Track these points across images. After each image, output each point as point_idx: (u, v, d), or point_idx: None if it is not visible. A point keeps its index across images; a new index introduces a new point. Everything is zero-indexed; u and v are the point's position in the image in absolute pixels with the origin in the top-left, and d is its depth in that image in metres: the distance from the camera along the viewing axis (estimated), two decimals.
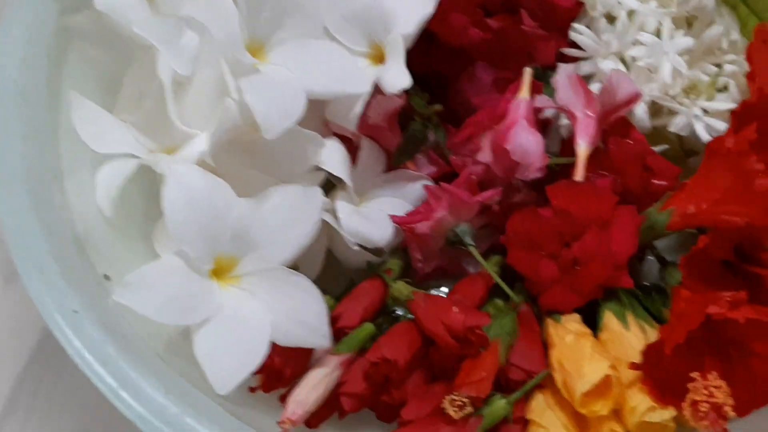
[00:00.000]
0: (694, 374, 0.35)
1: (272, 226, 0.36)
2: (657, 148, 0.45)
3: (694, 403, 0.34)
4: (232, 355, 0.35)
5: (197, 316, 0.34)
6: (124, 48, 0.40)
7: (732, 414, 0.34)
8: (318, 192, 0.39)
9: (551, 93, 0.45)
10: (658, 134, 0.46)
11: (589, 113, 0.42)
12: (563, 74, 0.42)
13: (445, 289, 0.44)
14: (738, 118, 0.37)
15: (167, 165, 0.36)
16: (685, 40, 0.44)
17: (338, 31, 0.43)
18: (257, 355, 0.35)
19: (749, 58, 0.42)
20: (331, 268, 0.45)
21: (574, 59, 0.46)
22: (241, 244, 0.36)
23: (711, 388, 0.34)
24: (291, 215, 0.37)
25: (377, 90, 0.42)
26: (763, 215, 0.36)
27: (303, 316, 0.36)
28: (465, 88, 0.47)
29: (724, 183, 0.37)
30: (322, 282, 0.45)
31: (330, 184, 0.43)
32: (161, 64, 0.38)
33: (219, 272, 0.37)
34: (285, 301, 0.36)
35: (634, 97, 0.42)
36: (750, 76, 0.42)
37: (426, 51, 0.46)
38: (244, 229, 0.36)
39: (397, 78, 0.40)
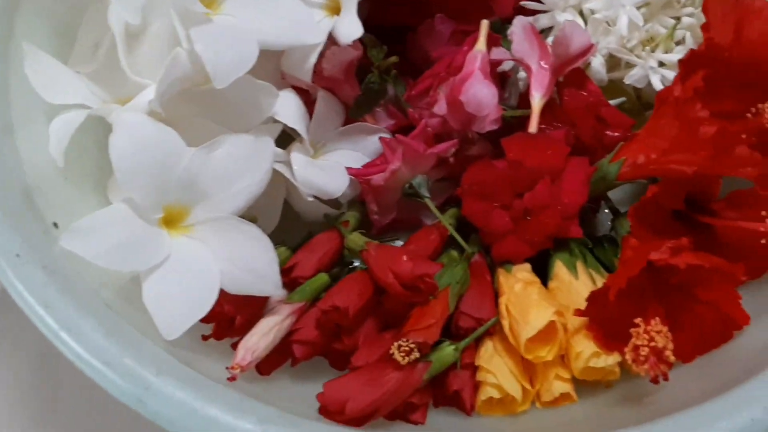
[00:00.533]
0: (637, 320, 0.35)
1: (222, 176, 0.37)
2: (614, 101, 0.46)
3: (636, 348, 0.35)
4: (180, 302, 0.35)
5: (145, 262, 0.35)
6: None
7: (673, 359, 0.35)
8: (269, 141, 0.39)
9: (510, 47, 0.45)
10: (616, 87, 0.46)
11: (544, 65, 0.42)
12: (518, 26, 0.42)
13: (400, 243, 0.45)
14: (685, 66, 0.37)
15: (116, 114, 0.36)
16: None
17: None
18: (205, 302, 0.35)
19: (705, 9, 0.42)
20: (291, 220, 0.45)
21: (533, 12, 0.46)
22: (191, 193, 0.37)
23: (652, 332, 0.35)
24: (241, 164, 0.37)
25: (333, 41, 0.42)
26: (709, 163, 0.36)
27: (253, 264, 0.36)
28: (424, 41, 0.47)
29: (671, 132, 0.37)
30: (280, 233, 0.46)
31: (288, 137, 0.44)
32: (112, 14, 0.38)
33: (170, 221, 0.37)
34: (235, 250, 0.36)
35: (588, 49, 0.42)
36: (704, 27, 0.42)
37: (385, 3, 0.46)
38: (194, 178, 0.36)
39: (350, 28, 0.40)
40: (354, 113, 0.45)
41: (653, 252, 0.35)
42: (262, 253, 0.37)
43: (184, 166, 0.36)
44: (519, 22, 0.43)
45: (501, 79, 0.46)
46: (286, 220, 0.45)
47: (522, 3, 0.46)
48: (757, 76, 0.38)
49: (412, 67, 0.47)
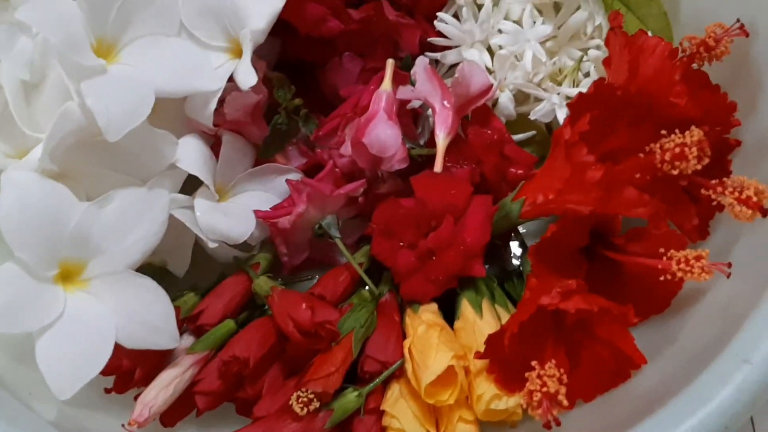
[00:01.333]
0: (533, 362, 0.35)
1: (115, 230, 0.37)
2: (523, 135, 0.46)
3: (529, 393, 0.35)
4: (73, 360, 0.35)
5: (36, 322, 0.35)
6: None
7: (566, 402, 0.35)
8: (163, 194, 0.39)
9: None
10: (527, 120, 0.47)
11: (446, 104, 0.42)
12: (420, 66, 0.43)
13: (315, 280, 0.45)
14: (574, 109, 0.37)
15: (4, 174, 0.36)
16: (544, 28, 0.44)
17: (194, 26, 0.42)
18: (100, 360, 0.35)
19: (606, 44, 0.43)
20: (203, 261, 0.45)
21: (442, 48, 0.46)
22: (85, 248, 0.36)
23: (545, 377, 0.35)
24: (134, 218, 0.37)
25: (235, 85, 0.42)
26: (601, 204, 0.36)
27: (148, 317, 0.36)
28: (333, 78, 0.47)
29: (564, 173, 0.37)
30: (193, 275, 0.45)
31: (197, 180, 0.43)
32: (3, 71, 0.37)
33: (66, 276, 0.37)
34: (131, 304, 0.36)
35: (488, 89, 0.42)
36: (606, 62, 0.42)
37: (293, 40, 0.46)
38: (86, 233, 0.36)
39: (246, 76, 0.40)
40: (263, 154, 0.45)
41: (543, 297, 0.35)
42: (158, 307, 0.37)
43: (75, 222, 0.36)
44: (421, 63, 0.43)
45: (413, 116, 0.46)
46: (199, 262, 0.45)
47: (430, 39, 0.46)
48: (650, 112, 0.39)
49: (324, 102, 0.48)
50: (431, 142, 0.45)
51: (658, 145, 0.36)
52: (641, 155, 0.37)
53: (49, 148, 0.36)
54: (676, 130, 0.37)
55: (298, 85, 0.46)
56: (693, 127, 0.36)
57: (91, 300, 0.36)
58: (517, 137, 0.45)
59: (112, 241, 0.37)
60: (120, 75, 0.39)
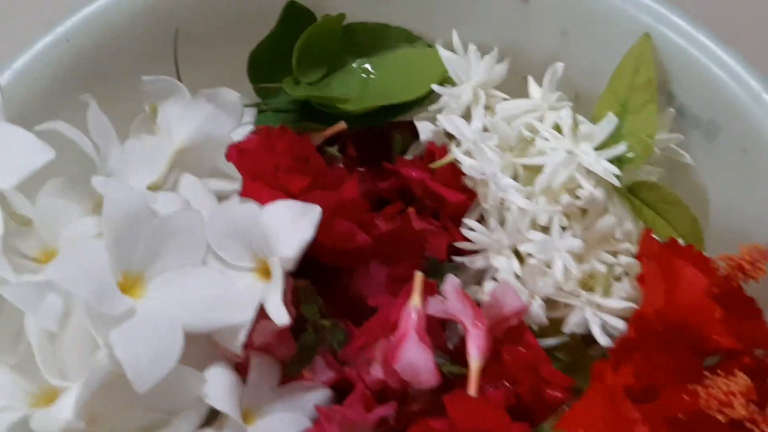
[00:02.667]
0: None
1: None
2: (554, 340, 0.45)
3: None
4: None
5: None
6: None
7: None
8: None
9: None
10: (557, 323, 0.46)
11: (479, 324, 0.42)
12: (450, 285, 0.42)
13: None
14: (616, 354, 0.36)
15: None
16: (574, 242, 0.43)
17: (220, 248, 0.42)
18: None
19: (640, 259, 0.42)
20: None
21: (468, 252, 0.46)
22: None
23: None
24: None
25: (263, 312, 0.41)
26: None
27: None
28: (360, 286, 0.46)
29: (606, 416, 0.36)
30: None
31: None
32: (27, 321, 0.37)
33: None
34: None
35: (521, 311, 0.41)
36: (640, 280, 0.41)
37: (316, 247, 0.45)
38: None
39: (278, 313, 0.39)
40: (290, 370, 0.44)
41: None
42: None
43: None
44: (450, 283, 0.42)
45: (443, 323, 0.45)
46: None
47: (456, 244, 0.46)
48: (689, 339, 0.38)
49: (348, 303, 0.47)
50: (461, 348, 0.45)
51: (702, 389, 0.36)
52: (685, 396, 0.36)
53: (79, 407, 0.35)
54: (719, 371, 0.36)
55: (321, 285, 0.45)
56: (739, 375, 0.35)
57: None
58: (547, 342, 0.44)
59: None
60: (148, 314, 0.38)
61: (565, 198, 0.43)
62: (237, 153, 0.42)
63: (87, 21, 0.43)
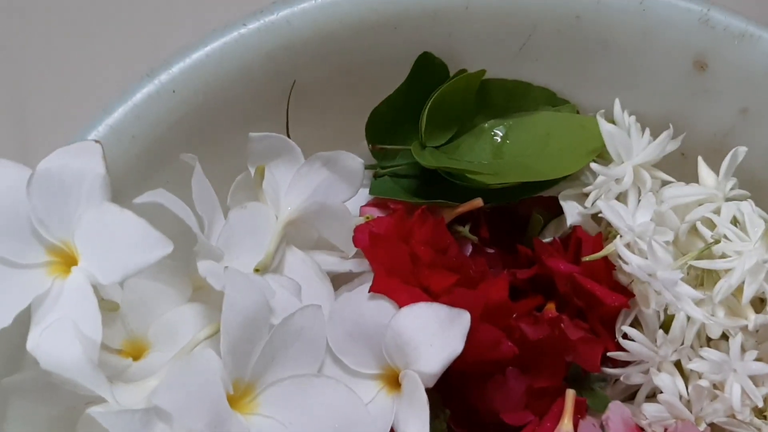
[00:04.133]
0: None
1: None
2: None
3: None
4: None
5: None
6: (67, 399, 0.32)
7: None
8: None
9: (598, 404, 0.38)
10: None
11: None
12: (617, 416, 0.35)
13: None
14: None
15: None
16: (759, 366, 0.36)
17: (342, 351, 0.35)
18: None
19: None
20: None
21: (624, 363, 0.39)
22: None
23: None
24: None
25: None
26: None
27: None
28: (493, 397, 0.39)
29: None
30: None
31: None
32: None
33: None
34: None
35: None
36: None
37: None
38: None
39: None
40: None
41: None
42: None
43: None
44: (618, 413, 0.35)
45: None
46: None
47: (610, 354, 0.39)
48: None
49: (476, 417, 0.40)
50: None
51: None
52: None
53: None
54: None
55: (446, 394, 0.39)
56: None
57: None
58: None
59: None
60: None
61: (753, 314, 0.36)
62: (369, 239, 0.36)
63: (194, 69, 0.36)
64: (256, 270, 0.37)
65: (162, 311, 0.35)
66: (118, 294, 0.35)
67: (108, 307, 0.34)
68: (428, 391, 0.37)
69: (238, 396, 0.33)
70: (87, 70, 0.47)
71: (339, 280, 0.40)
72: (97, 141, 0.32)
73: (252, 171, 0.40)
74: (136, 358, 0.35)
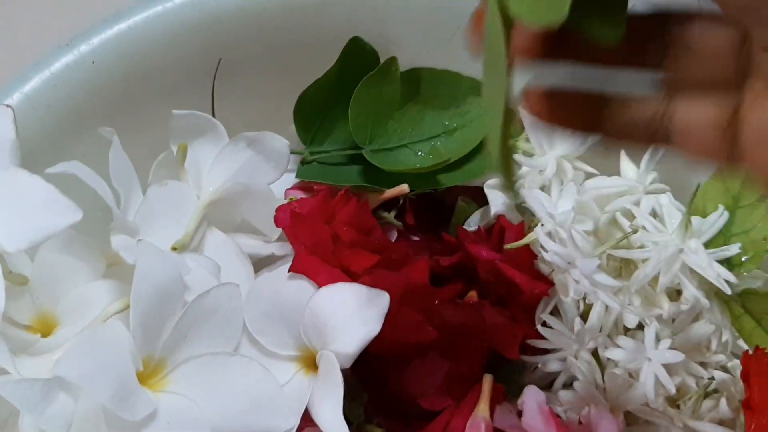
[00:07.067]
0: None
1: None
2: None
3: None
4: None
5: None
6: None
7: None
8: None
9: (516, 391, 0.38)
10: None
11: None
12: (531, 400, 0.35)
13: None
14: None
15: None
16: (672, 354, 0.37)
17: (259, 331, 0.35)
18: None
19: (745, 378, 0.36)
20: None
21: (544, 350, 0.39)
22: None
23: None
24: None
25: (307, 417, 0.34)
26: None
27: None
28: (412, 382, 0.39)
29: None
30: None
31: None
32: (24, 423, 0.29)
33: None
34: None
35: None
36: (746, 404, 0.36)
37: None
38: None
39: (334, 428, 0.32)
40: None
41: None
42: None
43: None
44: (533, 397, 0.35)
45: None
46: None
47: (529, 341, 0.39)
48: None
49: (392, 398, 0.40)
50: None
51: None
52: None
53: None
54: None
55: (364, 377, 0.38)
56: None
57: None
58: None
59: None
60: (170, 414, 0.31)
61: (667, 303, 0.37)
62: (291, 218, 0.35)
63: (117, 39, 0.35)
64: (174, 248, 0.36)
65: (73, 286, 0.34)
66: (28, 267, 0.34)
67: (16, 281, 0.33)
68: (347, 374, 0.37)
69: (149, 373, 0.32)
70: (3, 39, 0.46)
71: (261, 265, 0.39)
72: (8, 105, 0.31)
73: (174, 149, 0.39)
74: (45, 335, 0.34)
